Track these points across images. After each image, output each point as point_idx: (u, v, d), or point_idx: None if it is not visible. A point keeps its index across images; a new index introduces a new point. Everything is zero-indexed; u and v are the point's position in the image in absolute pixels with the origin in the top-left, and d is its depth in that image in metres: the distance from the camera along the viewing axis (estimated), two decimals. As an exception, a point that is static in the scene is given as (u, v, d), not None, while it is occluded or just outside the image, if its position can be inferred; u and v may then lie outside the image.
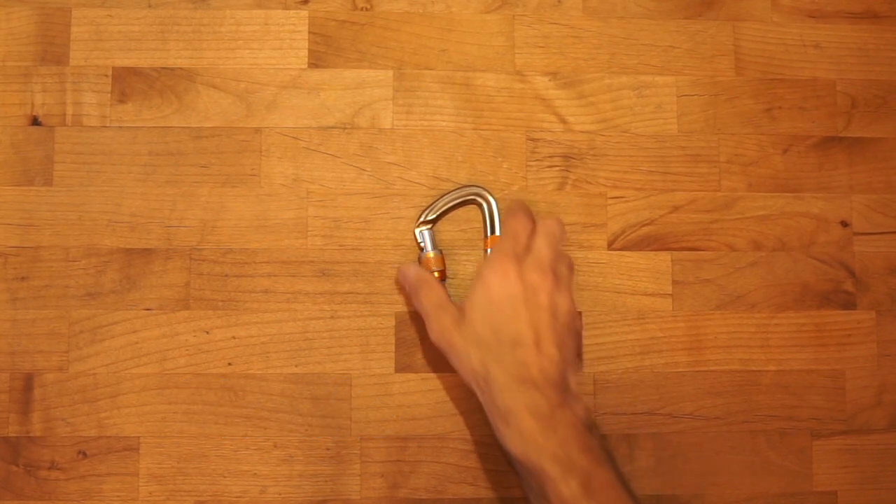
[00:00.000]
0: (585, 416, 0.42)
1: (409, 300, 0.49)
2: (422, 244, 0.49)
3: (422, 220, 0.50)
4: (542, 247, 0.45)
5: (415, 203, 0.50)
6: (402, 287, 0.49)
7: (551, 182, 0.51)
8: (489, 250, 0.49)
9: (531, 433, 0.41)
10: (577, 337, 0.46)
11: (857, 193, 0.52)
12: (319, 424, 0.49)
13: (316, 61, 0.51)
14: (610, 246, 0.51)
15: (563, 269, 0.45)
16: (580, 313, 0.50)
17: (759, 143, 0.52)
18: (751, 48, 0.53)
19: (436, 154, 0.51)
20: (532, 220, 0.47)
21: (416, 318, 0.49)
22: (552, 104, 0.51)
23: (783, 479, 0.50)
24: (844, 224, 0.52)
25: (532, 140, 0.51)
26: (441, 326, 0.45)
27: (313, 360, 0.49)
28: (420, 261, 0.49)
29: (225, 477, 0.48)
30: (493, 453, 0.49)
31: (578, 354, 0.48)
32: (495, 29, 0.52)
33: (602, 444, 0.42)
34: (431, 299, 0.46)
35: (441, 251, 0.49)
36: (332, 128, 0.50)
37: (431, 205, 0.50)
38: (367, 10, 0.51)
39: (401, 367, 0.49)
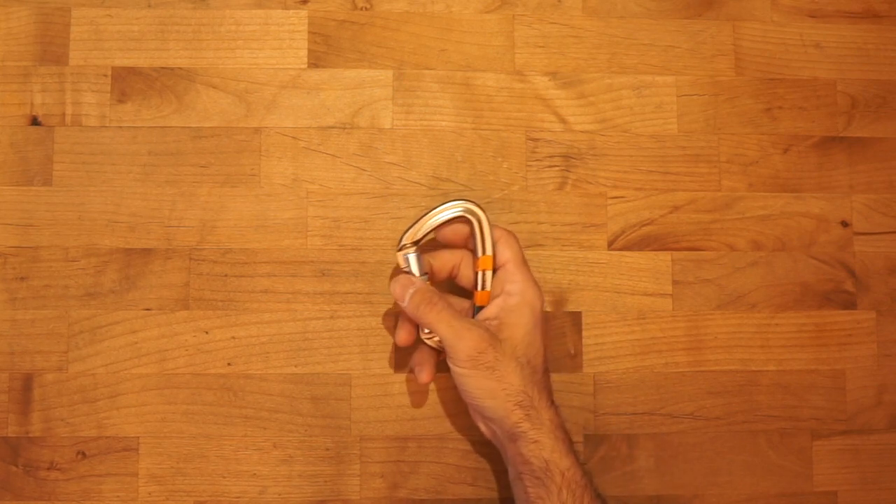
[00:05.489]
0: None
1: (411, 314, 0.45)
2: (407, 270, 0.45)
3: (405, 242, 0.45)
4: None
5: (415, 203, 0.50)
6: (401, 303, 0.45)
7: (551, 182, 0.51)
8: (484, 273, 0.45)
9: (570, 445, 0.43)
10: None
11: (857, 193, 0.52)
12: (319, 424, 0.49)
13: (315, 61, 0.51)
14: (610, 246, 0.51)
15: None
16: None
17: (760, 142, 0.52)
18: (751, 48, 0.53)
19: (435, 154, 0.51)
20: None
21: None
22: (552, 104, 0.51)
23: (783, 479, 0.50)
24: (845, 224, 0.52)
25: (532, 140, 0.51)
26: (474, 349, 0.42)
27: (313, 360, 0.49)
28: None
29: (224, 477, 0.48)
30: (493, 453, 0.49)
31: None
32: (495, 29, 0.52)
33: None
34: (451, 320, 0.43)
35: (429, 275, 0.45)
36: (332, 128, 0.50)
37: (415, 223, 0.45)
38: (366, 9, 0.51)
39: (401, 367, 0.49)
